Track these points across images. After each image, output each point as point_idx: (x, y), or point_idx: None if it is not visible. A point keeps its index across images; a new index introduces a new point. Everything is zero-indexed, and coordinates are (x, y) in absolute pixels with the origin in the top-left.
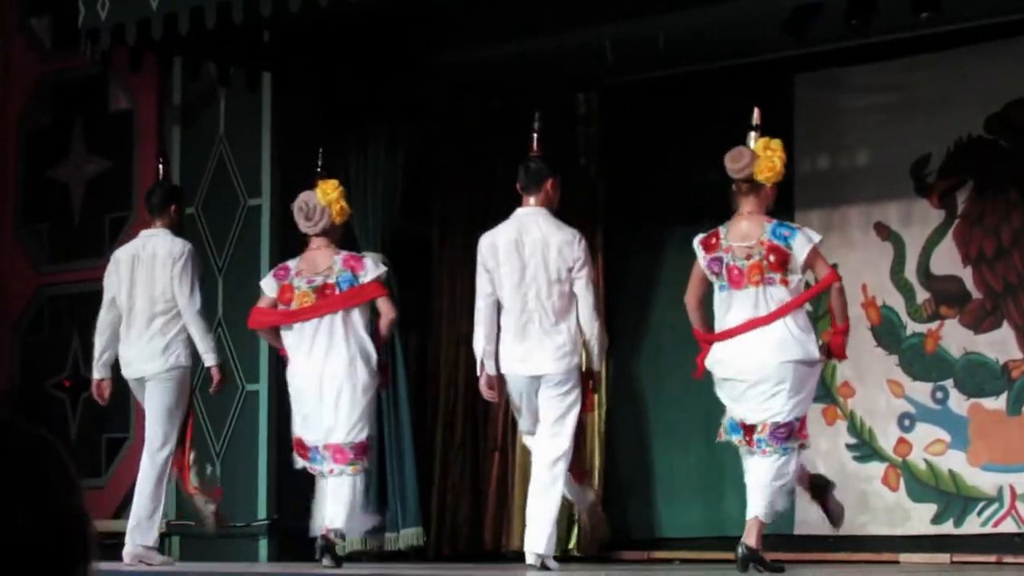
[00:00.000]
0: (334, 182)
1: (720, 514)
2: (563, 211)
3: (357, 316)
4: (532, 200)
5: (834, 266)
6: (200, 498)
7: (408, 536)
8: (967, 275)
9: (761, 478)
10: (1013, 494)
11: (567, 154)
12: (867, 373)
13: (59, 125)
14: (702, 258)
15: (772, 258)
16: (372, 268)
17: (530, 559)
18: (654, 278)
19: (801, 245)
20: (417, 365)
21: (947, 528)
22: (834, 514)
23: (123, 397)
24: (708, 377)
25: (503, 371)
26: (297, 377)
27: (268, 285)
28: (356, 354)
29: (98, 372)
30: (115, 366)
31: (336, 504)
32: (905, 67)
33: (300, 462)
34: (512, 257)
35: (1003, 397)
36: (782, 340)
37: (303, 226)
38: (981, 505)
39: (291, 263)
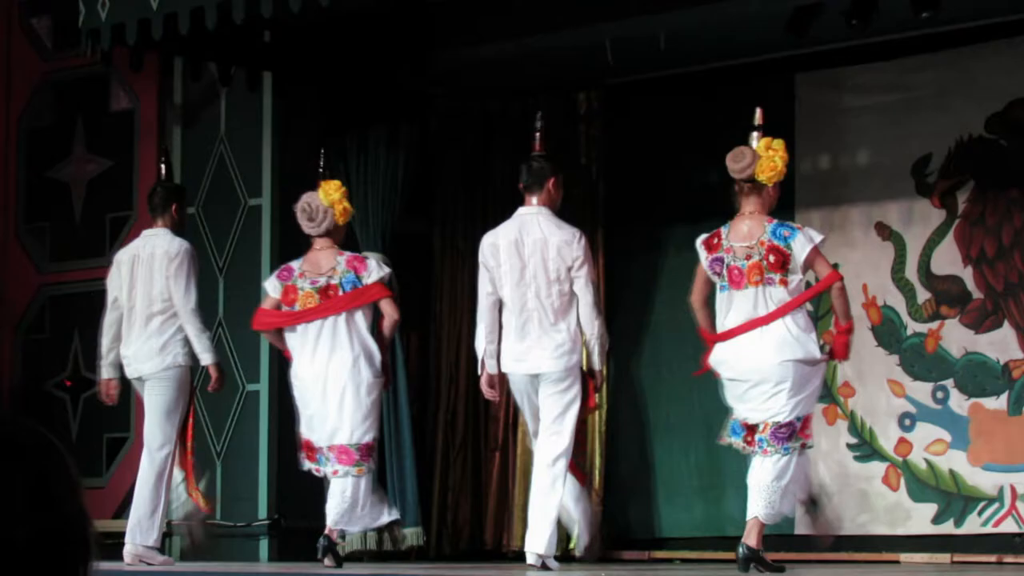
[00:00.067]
0: (336, 183)
1: (720, 514)
2: (563, 210)
3: (360, 317)
4: (534, 199)
5: (835, 266)
6: (198, 505)
7: (409, 536)
8: (968, 275)
9: (762, 478)
10: (1014, 494)
11: (567, 154)
12: (868, 373)
13: (60, 125)
14: (704, 258)
15: (772, 258)
16: (375, 269)
17: (531, 559)
18: (654, 278)
19: (801, 245)
20: (418, 365)
21: (947, 528)
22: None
23: (123, 397)
24: (708, 377)
25: (503, 370)
26: (301, 379)
27: (271, 286)
28: (360, 355)
29: (106, 372)
30: (122, 366)
31: (339, 505)
32: (906, 67)
33: (307, 464)
34: (512, 256)
35: (1004, 397)
36: (781, 340)
37: (306, 227)
38: (982, 505)
39: (294, 264)
